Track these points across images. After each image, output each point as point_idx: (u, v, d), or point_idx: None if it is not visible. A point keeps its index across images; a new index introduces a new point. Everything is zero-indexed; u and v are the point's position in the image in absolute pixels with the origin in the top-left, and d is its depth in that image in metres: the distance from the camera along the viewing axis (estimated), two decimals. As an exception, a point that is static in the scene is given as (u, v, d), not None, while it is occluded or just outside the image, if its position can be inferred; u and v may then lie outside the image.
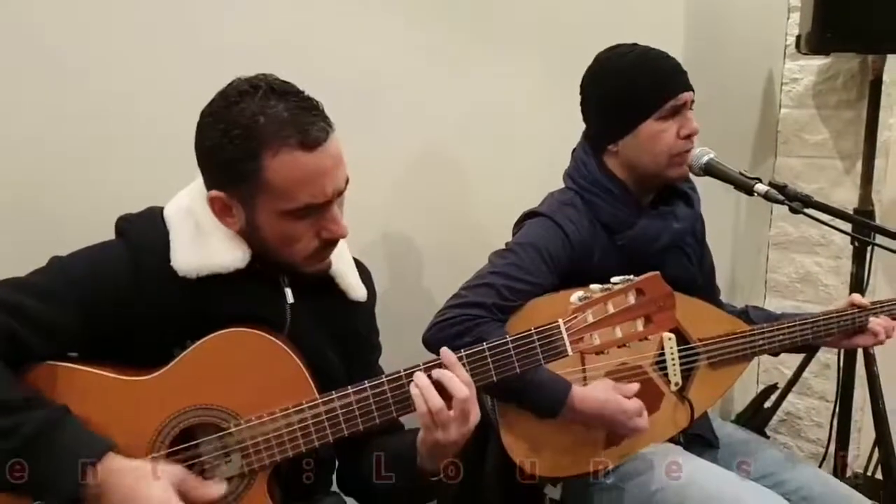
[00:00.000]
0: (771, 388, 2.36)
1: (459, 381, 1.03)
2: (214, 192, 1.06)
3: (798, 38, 2.26)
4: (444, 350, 1.06)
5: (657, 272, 1.10)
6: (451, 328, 1.32)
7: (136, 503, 0.94)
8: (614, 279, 1.09)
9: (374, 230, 1.72)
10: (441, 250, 1.83)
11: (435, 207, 1.84)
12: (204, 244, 1.07)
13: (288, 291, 1.13)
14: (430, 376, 1.04)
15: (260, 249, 1.09)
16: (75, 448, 0.93)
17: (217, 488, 1.01)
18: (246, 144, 1.01)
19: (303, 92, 1.06)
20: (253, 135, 1.00)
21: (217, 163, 1.05)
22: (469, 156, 1.87)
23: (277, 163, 1.00)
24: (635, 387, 1.35)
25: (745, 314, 1.61)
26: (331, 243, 1.10)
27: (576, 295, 1.08)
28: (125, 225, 1.10)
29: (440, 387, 1.04)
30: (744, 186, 1.42)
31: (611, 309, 1.07)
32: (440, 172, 1.85)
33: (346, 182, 1.09)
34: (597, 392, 1.33)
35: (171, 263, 1.06)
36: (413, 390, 1.04)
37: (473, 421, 1.05)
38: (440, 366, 1.05)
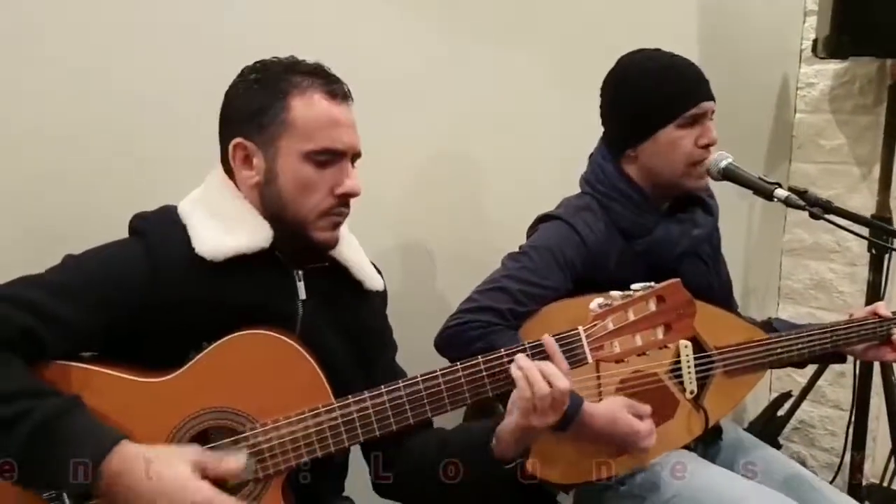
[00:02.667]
0: (784, 396, 2.34)
1: (560, 373, 1.04)
2: (237, 139, 1.10)
3: (814, 42, 2.25)
4: (546, 337, 1.06)
5: (678, 279, 1.09)
6: (464, 333, 1.31)
7: (154, 486, 0.92)
8: (634, 286, 1.08)
9: (386, 231, 1.72)
10: (453, 252, 1.83)
11: (448, 209, 1.84)
12: (226, 225, 1.09)
13: (301, 286, 1.14)
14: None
15: (273, 212, 1.10)
16: (85, 439, 0.93)
17: (235, 462, 0.99)
18: (275, 88, 1.09)
19: None
20: (282, 80, 1.09)
21: (244, 110, 1.10)
22: (483, 157, 1.86)
23: (303, 103, 1.08)
24: (647, 408, 1.33)
25: (768, 325, 1.59)
26: (343, 202, 1.12)
27: (595, 302, 1.07)
28: (141, 223, 1.10)
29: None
30: (763, 191, 1.40)
31: (631, 316, 1.06)
32: (454, 174, 1.85)
33: (360, 153, 1.14)
34: (608, 410, 1.30)
35: (196, 250, 1.06)
36: (516, 372, 1.04)
37: (564, 408, 1.06)
38: (543, 353, 1.05)
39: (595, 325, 1.06)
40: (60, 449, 0.91)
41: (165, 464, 0.94)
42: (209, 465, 0.97)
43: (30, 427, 0.91)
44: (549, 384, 1.03)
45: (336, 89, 1.11)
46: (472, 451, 1.13)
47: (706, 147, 1.42)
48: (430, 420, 1.14)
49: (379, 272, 1.27)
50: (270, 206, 1.11)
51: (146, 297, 1.04)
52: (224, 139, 1.14)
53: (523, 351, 1.06)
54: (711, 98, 1.43)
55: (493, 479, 1.13)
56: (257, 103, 1.09)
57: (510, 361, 1.05)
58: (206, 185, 1.15)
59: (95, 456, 0.91)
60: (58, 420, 0.92)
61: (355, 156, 1.14)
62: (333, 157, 1.10)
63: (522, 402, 1.04)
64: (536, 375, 1.03)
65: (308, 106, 1.08)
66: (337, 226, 1.14)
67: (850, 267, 2.47)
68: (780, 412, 2.32)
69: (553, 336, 1.07)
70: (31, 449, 0.91)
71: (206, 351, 1.03)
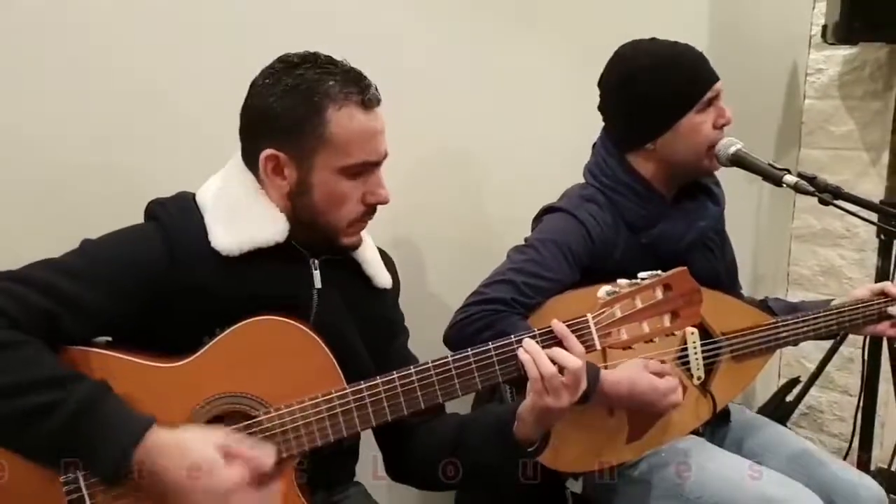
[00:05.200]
0: (793, 382, 2.34)
1: (569, 355, 1.05)
2: (270, 151, 1.09)
3: (824, 27, 2.23)
4: (555, 322, 1.08)
5: (685, 268, 1.10)
6: (472, 325, 1.31)
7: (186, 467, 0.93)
8: (641, 274, 1.09)
9: (391, 225, 1.71)
10: (458, 246, 1.82)
11: (452, 202, 1.83)
12: (243, 219, 1.09)
13: (316, 275, 1.15)
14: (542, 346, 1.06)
15: (302, 218, 1.11)
16: (119, 423, 0.94)
17: (268, 453, 0.99)
18: (311, 100, 1.07)
19: None
20: (319, 92, 1.07)
21: (278, 120, 1.08)
22: (486, 150, 1.86)
23: (341, 118, 1.07)
24: (666, 366, 1.34)
25: (765, 306, 1.59)
26: (371, 210, 1.14)
27: (604, 289, 1.08)
28: (158, 208, 1.11)
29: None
30: (772, 177, 1.40)
31: (639, 304, 1.07)
32: (457, 166, 1.84)
33: (387, 155, 1.14)
34: (627, 372, 1.31)
35: (212, 244, 1.07)
36: (523, 356, 1.06)
37: (583, 388, 1.07)
38: (553, 337, 1.07)
39: (603, 312, 1.07)
40: (96, 432, 0.93)
41: (196, 447, 0.95)
42: (235, 447, 0.97)
43: (65, 413, 0.92)
44: (559, 366, 1.04)
45: (371, 98, 1.09)
46: (493, 433, 1.14)
47: (722, 127, 1.43)
48: (443, 405, 1.15)
49: (391, 262, 1.28)
50: (301, 213, 1.11)
51: (162, 281, 1.05)
52: (250, 140, 1.13)
53: (533, 336, 1.07)
54: (718, 78, 1.43)
55: (513, 462, 1.14)
56: (292, 115, 1.07)
57: (520, 347, 1.07)
58: (225, 174, 1.15)
59: (130, 439, 0.93)
60: (92, 405, 0.94)
61: (384, 159, 1.15)
62: (367, 168, 1.11)
63: (533, 383, 1.05)
64: (543, 357, 1.05)
65: (346, 121, 1.07)
66: (362, 229, 1.17)
67: (859, 253, 2.47)
68: (789, 398, 2.32)
69: (563, 322, 1.08)
70: (67, 434, 0.92)
71: (219, 336, 1.05)
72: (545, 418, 1.09)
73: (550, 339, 1.07)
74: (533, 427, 1.10)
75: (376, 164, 1.12)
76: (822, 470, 1.43)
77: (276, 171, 1.10)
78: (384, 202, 1.14)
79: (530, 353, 1.05)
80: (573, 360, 1.05)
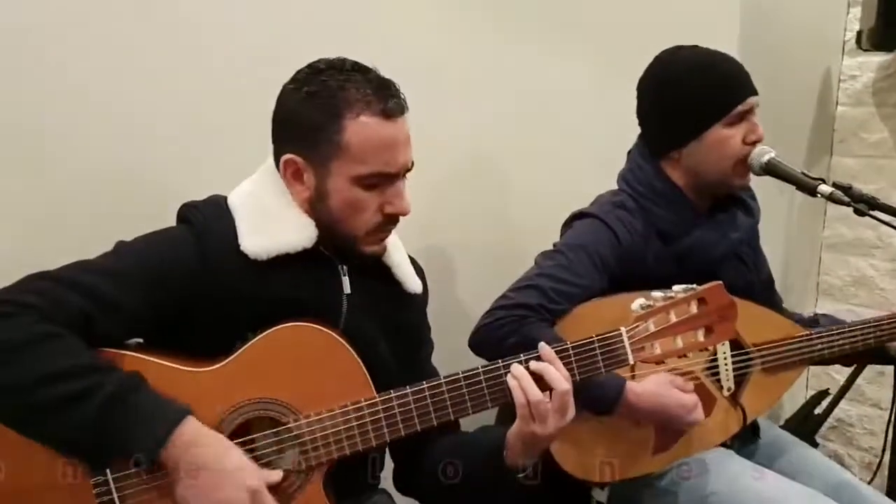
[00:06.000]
0: (822, 394, 2.30)
1: (559, 374, 1.04)
2: (289, 156, 1.10)
3: (858, 33, 2.20)
4: (543, 345, 1.07)
5: (720, 282, 1.09)
6: (498, 330, 1.31)
7: (220, 466, 0.96)
8: (676, 287, 1.08)
9: (418, 231, 1.70)
10: (487, 251, 1.82)
11: (481, 209, 1.83)
12: (272, 224, 1.10)
13: (346, 281, 1.15)
14: (527, 368, 1.05)
15: (324, 224, 1.11)
16: (155, 410, 0.96)
17: (275, 475, 1.01)
18: (329, 107, 1.07)
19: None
20: (337, 98, 1.07)
21: (298, 125, 1.09)
22: (517, 154, 1.85)
23: (357, 126, 1.06)
24: (690, 384, 1.33)
25: (814, 322, 1.57)
26: (392, 220, 1.13)
27: (637, 302, 1.07)
28: (190, 211, 1.12)
29: (537, 378, 1.04)
30: (806, 187, 1.38)
31: (673, 318, 1.06)
32: (485, 173, 1.84)
33: (412, 165, 1.13)
34: (652, 386, 1.31)
35: (241, 247, 1.08)
36: (510, 381, 1.05)
37: (570, 415, 1.05)
38: (538, 359, 1.05)
39: (637, 326, 1.06)
40: (132, 418, 0.94)
41: (228, 445, 0.98)
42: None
43: (101, 399, 0.93)
44: (550, 388, 1.03)
45: (392, 107, 1.08)
46: (486, 457, 1.13)
47: (754, 144, 1.40)
48: (457, 421, 1.15)
49: (421, 272, 1.28)
50: (320, 218, 1.12)
51: (194, 284, 1.06)
52: (275, 144, 1.14)
53: (520, 361, 1.06)
54: (755, 92, 1.40)
55: (505, 485, 1.13)
56: (310, 121, 1.08)
57: (507, 372, 1.05)
58: (257, 178, 1.16)
59: (167, 425, 0.94)
60: (127, 393, 0.95)
61: (408, 170, 1.14)
62: (384, 179, 1.10)
63: (520, 409, 1.04)
64: (530, 383, 1.03)
65: (362, 129, 1.06)
66: (384, 239, 1.15)
67: (892, 263, 2.42)
68: (818, 410, 2.28)
69: (596, 336, 1.07)
70: (103, 421, 0.93)
71: (250, 342, 1.05)
72: (532, 445, 1.08)
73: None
74: (522, 454, 1.09)
75: (393, 176, 1.10)
76: (857, 498, 1.39)
77: (295, 176, 1.11)
78: (403, 213, 1.13)
79: (517, 377, 1.04)
80: (562, 382, 1.03)
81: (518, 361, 1.06)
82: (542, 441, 1.07)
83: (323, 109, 1.07)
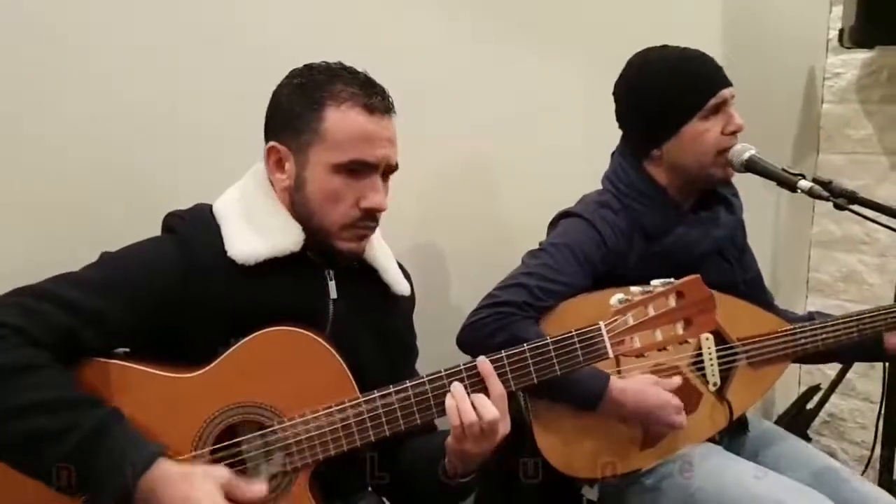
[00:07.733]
0: (813, 389, 2.31)
1: (489, 403, 1.04)
2: (273, 143, 1.13)
3: (841, 31, 2.22)
4: (481, 359, 1.07)
5: (698, 275, 1.09)
6: (484, 328, 1.32)
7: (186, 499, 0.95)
8: (654, 282, 1.09)
9: (406, 231, 1.72)
10: (473, 251, 1.83)
11: (468, 208, 1.84)
12: (258, 229, 1.11)
13: (332, 286, 1.16)
14: (465, 386, 1.05)
15: (305, 219, 1.12)
16: (127, 452, 0.95)
17: (259, 488, 1.01)
18: (314, 97, 1.10)
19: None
20: (322, 90, 1.10)
21: (283, 113, 1.13)
22: (502, 156, 1.86)
23: (338, 115, 1.09)
24: (677, 381, 1.34)
25: (809, 319, 1.56)
26: (369, 216, 1.13)
27: (616, 297, 1.08)
28: (174, 220, 1.13)
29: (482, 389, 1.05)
30: (787, 183, 1.39)
31: (651, 312, 1.07)
32: (472, 175, 1.85)
33: (396, 166, 1.15)
34: (637, 384, 1.32)
35: (228, 253, 1.08)
36: (448, 401, 1.05)
37: (502, 434, 1.06)
38: (477, 373, 1.06)
39: (616, 319, 1.07)
40: (104, 461, 0.94)
41: (198, 481, 0.96)
42: (236, 488, 0.99)
43: (76, 439, 0.93)
44: (479, 415, 1.04)
45: (375, 103, 1.10)
46: (433, 463, 1.13)
47: (733, 133, 1.42)
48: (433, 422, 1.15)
49: (408, 276, 1.28)
50: (300, 210, 1.13)
51: (180, 293, 1.06)
52: (265, 136, 1.16)
53: (458, 373, 1.06)
54: (729, 84, 1.42)
55: (448, 492, 1.14)
56: (294, 109, 1.11)
57: (451, 383, 1.06)
58: (245, 182, 1.17)
59: (137, 469, 0.94)
60: (101, 434, 0.95)
61: (389, 169, 1.15)
62: (363, 169, 1.11)
63: (453, 429, 1.05)
64: (467, 405, 1.04)
65: (342, 119, 1.09)
66: (363, 238, 1.15)
67: (880, 258, 2.44)
68: (809, 405, 2.29)
69: (575, 331, 1.08)
70: (76, 460, 0.93)
71: (234, 347, 1.06)
72: (467, 461, 1.09)
73: (476, 377, 1.07)
74: (458, 466, 1.10)
75: (371, 166, 1.11)
76: (845, 486, 1.40)
77: (277, 164, 1.13)
78: (379, 209, 1.13)
79: (456, 399, 1.05)
80: (491, 410, 1.04)
81: (458, 376, 1.06)
82: (476, 457, 1.08)
83: (308, 99, 1.10)
